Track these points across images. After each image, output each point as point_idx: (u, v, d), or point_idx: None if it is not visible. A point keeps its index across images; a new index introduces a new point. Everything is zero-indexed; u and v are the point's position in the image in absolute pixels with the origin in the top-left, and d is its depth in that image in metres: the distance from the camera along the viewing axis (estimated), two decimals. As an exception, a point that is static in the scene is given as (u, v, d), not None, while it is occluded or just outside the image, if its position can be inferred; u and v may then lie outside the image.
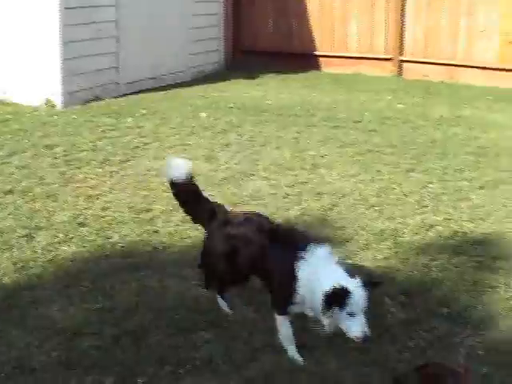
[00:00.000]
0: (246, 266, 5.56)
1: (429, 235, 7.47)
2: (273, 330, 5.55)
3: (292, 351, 5.39)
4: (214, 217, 5.72)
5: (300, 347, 5.41)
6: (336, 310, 4.85)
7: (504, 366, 5.32)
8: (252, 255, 5.45)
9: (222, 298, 5.98)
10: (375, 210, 8.27)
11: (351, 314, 4.86)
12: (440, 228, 7.73)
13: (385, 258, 6.88)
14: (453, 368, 4.14)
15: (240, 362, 5.33)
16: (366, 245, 7.16)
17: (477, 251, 7.16)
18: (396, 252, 7.00)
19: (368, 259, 6.82)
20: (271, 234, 5.43)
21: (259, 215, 5.78)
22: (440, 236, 7.47)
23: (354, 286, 4.88)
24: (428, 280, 6.51)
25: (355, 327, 4.88)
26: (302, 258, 5.11)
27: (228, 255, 5.54)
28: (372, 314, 5.77)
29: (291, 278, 5.11)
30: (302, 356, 5.36)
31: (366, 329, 4.89)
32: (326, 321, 4.99)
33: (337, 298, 4.82)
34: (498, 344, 5.67)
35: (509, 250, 7.27)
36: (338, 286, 4.80)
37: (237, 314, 5.93)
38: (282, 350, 5.41)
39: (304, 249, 5.14)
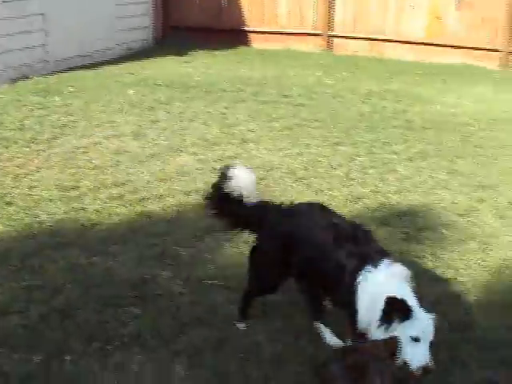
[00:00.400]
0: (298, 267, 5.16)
1: (356, 207, 7.54)
2: (201, 304, 5.58)
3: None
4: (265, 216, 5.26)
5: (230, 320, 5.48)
6: (396, 322, 4.37)
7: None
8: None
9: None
10: (303, 183, 8.34)
11: (416, 339, 4.36)
12: (367, 200, 7.83)
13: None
14: (374, 351, 4.11)
15: (168, 336, 5.34)
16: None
17: (403, 223, 7.28)
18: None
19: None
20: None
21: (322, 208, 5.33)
22: (367, 208, 7.55)
23: (423, 311, 4.45)
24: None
25: (418, 356, 4.34)
26: (369, 271, 4.63)
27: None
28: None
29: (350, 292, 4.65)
30: (231, 329, 5.42)
31: (429, 360, 4.35)
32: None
33: (399, 307, 4.37)
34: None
35: (435, 220, 7.39)
36: (401, 297, 4.37)
37: (164, 289, 5.92)
38: (209, 324, 5.44)
39: (373, 261, 4.67)
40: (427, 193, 8.16)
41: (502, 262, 6.63)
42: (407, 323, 4.34)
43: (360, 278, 4.60)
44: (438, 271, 6.40)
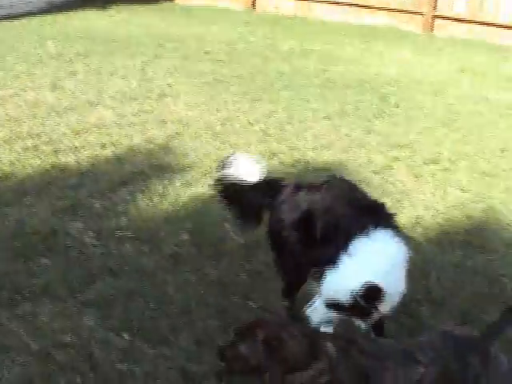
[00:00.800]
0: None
1: (272, 163, 7.53)
2: (112, 255, 5.57)
3: None
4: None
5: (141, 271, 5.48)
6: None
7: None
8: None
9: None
10: (220, 138, 8.33)
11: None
12: (283, 156, 7.86)
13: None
14: (286, 326, 3.94)
15: (78, 287, 5.32)
16: (208, 171, 7.16)
17: (318, 179, 7.27)
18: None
19: (209, 185, 6.82)
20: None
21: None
22: (283, 164, 7.58)
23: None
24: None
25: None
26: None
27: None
28: (211, 239, 5.94)
29: None
30: (142, 280, 5.41)
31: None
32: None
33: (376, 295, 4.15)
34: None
35: (349, 177, 7.42)
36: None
37: (76, 241, 5.89)
38: (120, 275, 5.44)
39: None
40: (343, 150, 8.23)
41: (415, 220, 6.73)
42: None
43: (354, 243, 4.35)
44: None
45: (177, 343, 4.82)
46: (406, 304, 5.49)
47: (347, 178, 5.28)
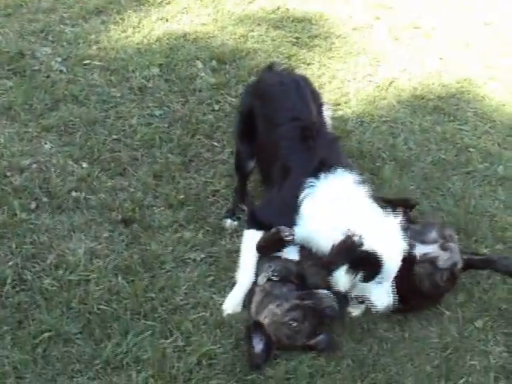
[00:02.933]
0: None
1: (250, 8, 7.28)
2: (78, 83, 5.49)
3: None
4: None
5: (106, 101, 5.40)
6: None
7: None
8: None
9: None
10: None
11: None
12: (263, 1, 7.56)
13: (203, 24, 6.72)
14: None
15: (40, 111, 5.24)
16: (187, 9, 6.94)
17: (297, 28, 7.12)
18: (215, 19, 6.84)
19: (185, 23, 6.65)
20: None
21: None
22: (262, 9, 7.31)
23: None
24: (243, 49, 6.46)
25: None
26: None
27: None
28: (182, 75, 5.82)
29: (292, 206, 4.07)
30: (106, 110, 5.35)
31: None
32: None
33: (373, 264, 3.84)
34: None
35: (328, 30, 7.28)
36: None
37: (43, 65, 5.77)
38: (83, 102, 5.36)
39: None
40: (326, 3, 7.93)
41: (390, 80, 6.64)
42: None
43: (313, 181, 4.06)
44: (323, 79, 6.36)
45: (135, 175, 4.79)
46: (372, 157, 5.53)
47: None
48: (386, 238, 3.86)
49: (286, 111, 4.35)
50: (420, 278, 4.16)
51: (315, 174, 4.03)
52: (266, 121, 4.43)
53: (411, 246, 4.06)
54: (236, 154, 4.81)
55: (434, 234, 4.30)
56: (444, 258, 4.19)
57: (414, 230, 4.29)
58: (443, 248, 4.23)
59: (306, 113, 4.35)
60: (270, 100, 4.49)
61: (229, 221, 4.62)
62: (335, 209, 3.92)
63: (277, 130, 4.30)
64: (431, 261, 4.18)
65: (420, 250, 4.19)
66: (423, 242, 4.24)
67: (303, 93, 4.49)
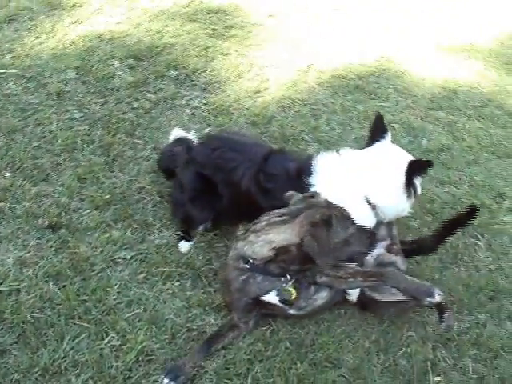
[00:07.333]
0: None
1: (164, 3, 7.25)
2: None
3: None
4: None
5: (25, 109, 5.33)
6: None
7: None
8: None
9: None
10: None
11: None
12: (177, -4, 7.55)
13: (117, 23, 6.69)
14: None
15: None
16: (100, 9, 6.90)
17: (212, 19, 7.13)
18: (129, 17, 6.82)
19: (100, 24, 6.60)
20: None
21: None
22: (176, 4, 7.32)
23: None
24: (159, 44, 6.45)
25: None
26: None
27: None
28: (99, 76, 5.78)
29: None
30: (25, 118, 5.28)
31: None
32: None
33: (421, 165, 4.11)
34: (221, 105, 5.82)
35: (244, 19, 7.30)
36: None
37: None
38: (0, 113, 5.30)
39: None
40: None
41: (309, 63, 6.69)
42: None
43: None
44: (242, 68, 6.38)
45: (59, 180, 4.75)
46: (296, 140, 5.57)
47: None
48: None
49: None
50: None
51: None
52: None
53: None
54: None
55: (382, 231, 4.26)
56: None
57: None
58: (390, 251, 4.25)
59: None
60: None
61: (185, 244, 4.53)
62: None
63: None
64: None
65: None
66: None
67: None
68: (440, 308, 3.91)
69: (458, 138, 6.12)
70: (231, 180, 4.24)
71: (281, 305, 3.89)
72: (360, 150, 4.25)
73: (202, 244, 4.52)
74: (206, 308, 4.07)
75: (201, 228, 4.56)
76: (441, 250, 4.75)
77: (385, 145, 4.20)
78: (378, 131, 4.24)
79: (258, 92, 6.10)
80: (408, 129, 6.03)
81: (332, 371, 3.84)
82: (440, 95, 6.72)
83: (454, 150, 5.94)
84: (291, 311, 3.98)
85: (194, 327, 3.95)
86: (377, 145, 4.20)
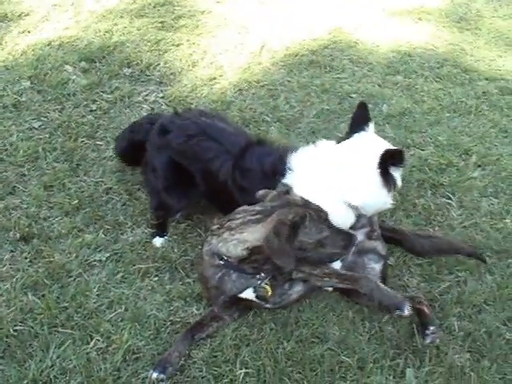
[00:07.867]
0: None
1: (110, 3, 7.16)
2: None
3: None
4: None
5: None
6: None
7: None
8: None
9: None
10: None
11: None
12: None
13: (66, 28, 6.64)
14: None
15: None
16: (46, 16, 6.84)
17: (160, 12, 7.11)
18: (77, 21, 6.77)
19: (48, 31, 6.55)
20: None
21: None
22: (122, 1, 7.25)
23: None
24: (110, 44, 6.41)
25: None
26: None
27: None
28: (53, 83, 5.75)
29: None
30: None
31: None
32: None
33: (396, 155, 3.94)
34: (179, 96, 5.82)
35: (192, 8, 7.29)
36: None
37: None
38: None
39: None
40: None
41: (261, 45, 6.70)
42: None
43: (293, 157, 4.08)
44: (195, 57, 6.37)
45: (26, 191, 4.73)
46: (256, 122, 5.57)
47: None
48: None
49: None
50: None
51: None
52: None
53: None
54: None
55: (363, 219, 4.19)
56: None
57: None
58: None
59: None
60: None
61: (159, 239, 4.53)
62: None
63: None
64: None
65: None
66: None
67: None
68: (422, 316, 3.97)
69: (418, 101, 6.14)
70: (209, 170, 4.20)
71: (257, 300, 3.90)
72: (338, 141, 4.13)
73: (175, 236, 4.53)
74: (187, 299, 4.08)
75: (178, 216, 4.57)
76: (414, 213, 4.79)
77: (363, 136, 4.06)
78: (359, 121, 4.11)
79: (214, 79, 6.10)
80: (367, 97, 6.05)
81: (319, 346, 3.86)
82: (395, 60, 6.74)
83: (415, 112, 5.96)
84: (268, 305, 3.99)
85: (178, 319, 3.96)
86: (355, 136, 4.07)
